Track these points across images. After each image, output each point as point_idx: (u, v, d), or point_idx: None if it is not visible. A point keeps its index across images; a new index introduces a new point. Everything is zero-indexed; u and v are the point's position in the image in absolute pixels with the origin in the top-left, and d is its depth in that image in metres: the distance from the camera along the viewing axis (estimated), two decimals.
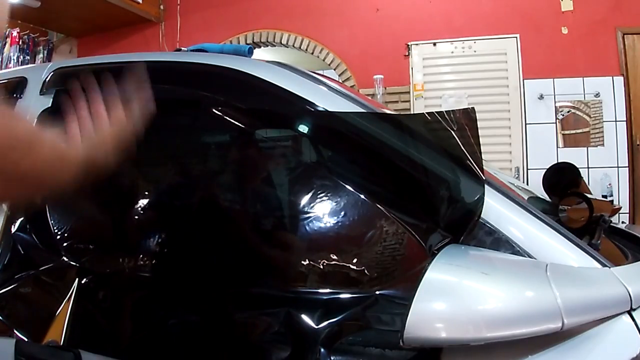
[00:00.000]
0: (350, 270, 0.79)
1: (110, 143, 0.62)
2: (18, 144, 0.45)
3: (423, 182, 0.79)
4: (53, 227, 0.96)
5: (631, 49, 2.96)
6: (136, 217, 0.99)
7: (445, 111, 0.78)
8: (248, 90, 0.91)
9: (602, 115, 2.95)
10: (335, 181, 0.84)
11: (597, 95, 2.96)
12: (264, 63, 0.96)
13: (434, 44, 3.22)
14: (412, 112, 3.01)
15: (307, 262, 0.85)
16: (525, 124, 3.04)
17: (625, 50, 2.96)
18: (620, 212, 2.79)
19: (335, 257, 0.81)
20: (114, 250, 0.96)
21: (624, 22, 2.96)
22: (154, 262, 0.94)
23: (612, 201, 2.78)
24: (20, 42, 3.74)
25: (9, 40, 3.69)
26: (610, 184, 2.91)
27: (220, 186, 1.00)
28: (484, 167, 0.76)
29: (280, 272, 0.86)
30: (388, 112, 1.02)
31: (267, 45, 3.68)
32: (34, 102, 1.03)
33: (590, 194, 1.19)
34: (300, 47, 3.51)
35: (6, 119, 0.45)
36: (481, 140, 0.76)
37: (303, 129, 0.91)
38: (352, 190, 0.82)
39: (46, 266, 0.95)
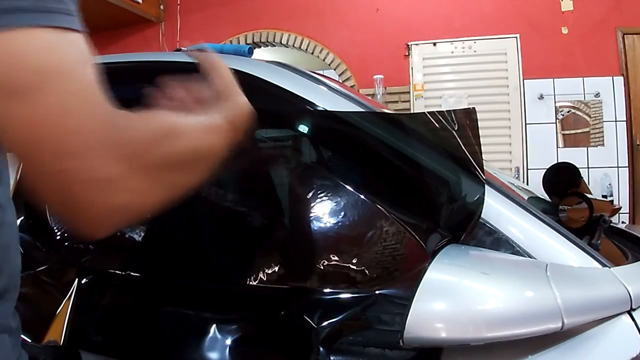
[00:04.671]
0: (350, 270, 0.79)
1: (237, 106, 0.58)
2: (169, 128, 0.41)
3: (423, 182, 0.79)
4: (53, 227, 0.96)
5: (631, 49, 2.96)
6: None
7: (446, 111, 0.78)
8: (248, 90, 0.91)
9: (602, 115, 2.95)
10: (335, 181, 0.84)
11: (597, 95, 2.96)
12: (264, 63, 0.96)
13: (434, 44, 3.22)
14: (412, 112, 3.02)
15: (307, 261, 0.85)
16: (525, 124, 3.04)
17: (625, 50, 2.96)
18: (620, 212, 2.79)
19: (335, 256, 0.81)
20: (114, 249, 0.96)
21: (624, 22, 2.96)
22: (154, 261, 0.94)
23: (612, 201, 2.78)
24: None
25: None
26: (610, 184, 2.91)
27: (219, 185, 1.00)
28: (484, 167, 0.76)
29: (280, 271, 0.86)
30: (388, 112, 1.02)
31: (267, 45, 3.68)
32: None
33: (590, 194, 1.19)
34: (300, 47, 3.51)
35: (147, 114, 0.42)
36: (481, 140, 0.76)
37: (303, 129, 0.91)
38: (352, 190, 0.82)
39: (46, 266, 0.95)
